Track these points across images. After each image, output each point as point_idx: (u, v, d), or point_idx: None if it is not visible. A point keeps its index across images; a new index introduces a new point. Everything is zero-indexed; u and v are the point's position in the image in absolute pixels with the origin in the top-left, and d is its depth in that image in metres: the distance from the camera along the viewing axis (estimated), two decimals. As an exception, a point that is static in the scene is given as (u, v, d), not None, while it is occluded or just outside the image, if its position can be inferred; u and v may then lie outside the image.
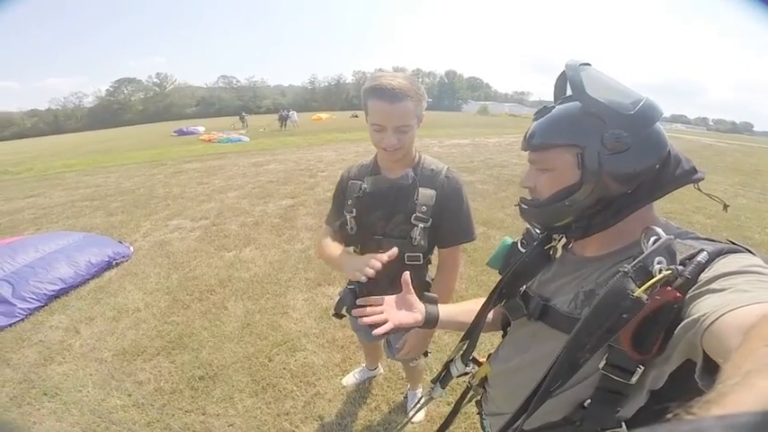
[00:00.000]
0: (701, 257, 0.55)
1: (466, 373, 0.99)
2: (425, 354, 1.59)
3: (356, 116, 30.40)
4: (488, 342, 2.12)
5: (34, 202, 6.80)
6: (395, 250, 1.08)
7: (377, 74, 1.16)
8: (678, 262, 0.56)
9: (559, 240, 0.82)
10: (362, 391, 2.22)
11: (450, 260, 1.42)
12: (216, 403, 2.14)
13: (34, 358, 2.53)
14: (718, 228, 5.03)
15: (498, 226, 4.83)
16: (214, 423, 2.01)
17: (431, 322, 0.92)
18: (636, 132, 0.62)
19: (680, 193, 0.69)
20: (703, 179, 0.67)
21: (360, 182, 1.35)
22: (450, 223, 1.33)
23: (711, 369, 0.44)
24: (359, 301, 0.94)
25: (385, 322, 0.86)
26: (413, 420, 1.92)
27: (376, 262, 1.05)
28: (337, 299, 1.46)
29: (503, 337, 0.95)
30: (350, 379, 2.27)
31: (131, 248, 4.24)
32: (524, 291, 0.81)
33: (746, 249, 0.57)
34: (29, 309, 3.00)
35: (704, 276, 0.53)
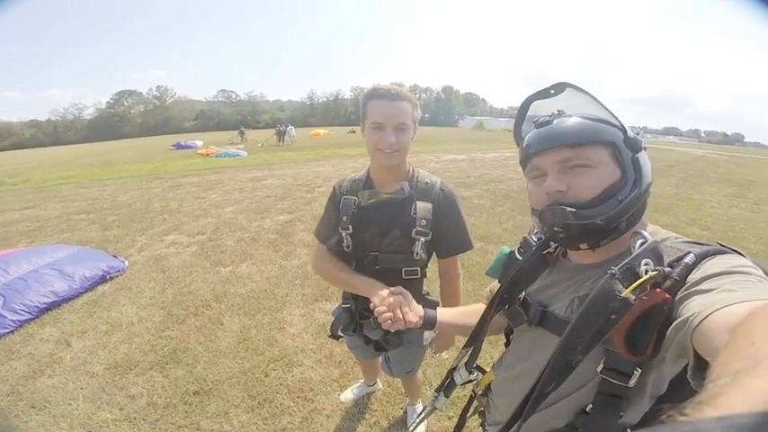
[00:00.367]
0: (689, 259, 0.56)
1: (470, 381, 0.99)
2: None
3: (354, 132, 30.59)
4: (489, 353, 2.10)
5: (29, 213, 6.75)
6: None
7: (374, 86, 1.22)
8: (666, 264, 0.57)
9: (557, 247, 0.82)
10: (361, 406, 2.18)
11: (452, 269, 1.45)
12: (210, 419, 2.09)
13: (23, 371, 2.47)
14: (714, 239, 4.99)
15: (495, 241, 4.82)
16: (208, 439, 1.96)
17: (429, 324, 0.98)
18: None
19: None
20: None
21: (354, 197, 1.34)
22: (450, 234, 1.35)
23: (703, 368, 0.45)
24: (376, 311, 0.99)
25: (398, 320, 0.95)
26: (412, 435, 1.88)
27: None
28: (332, 319, 1.45)
29: (505, 345, 0.95)
30: (348, 395, 2.23)
31: (126, 263, 4.20)
32: (524, 298, 0.82)
33: (734, 250, 0.58)
34: (19, 321, 2.95)
35: (692, 277, 0.54)
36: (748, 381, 0.25)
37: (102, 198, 7.97)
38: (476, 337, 0.90)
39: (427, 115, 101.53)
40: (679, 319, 0.51)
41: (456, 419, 1.06)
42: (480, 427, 1.01)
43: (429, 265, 1.43)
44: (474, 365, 0.96)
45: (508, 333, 0.94)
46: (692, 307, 0.49)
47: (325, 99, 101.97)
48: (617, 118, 0.68)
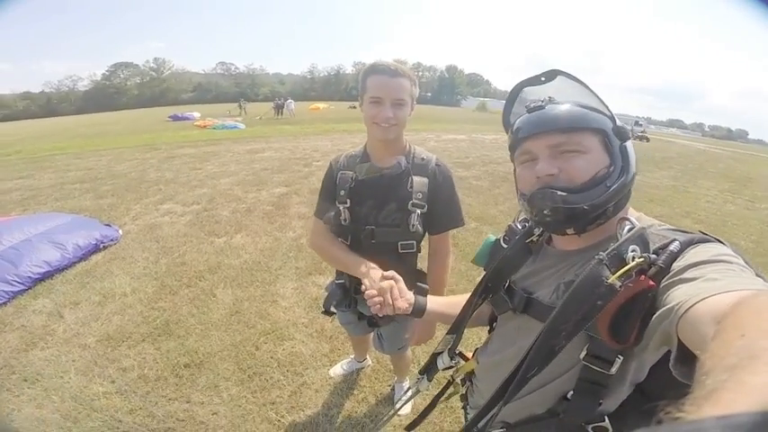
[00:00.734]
0: (674, 247, 0.57)
1: (451, 367, 1.00)
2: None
3: (354, 107, 30.14)
4: (477, 338, 2.11)
5: (23, 183, 6.68)
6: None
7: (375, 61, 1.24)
8: (651, 251, 0.58)
9: (540, 234, 0.82)
10: (350, 382, 2.20)
11: (441, 245, 1.45)
12: (201, 391, 2.11)
13: (15, 343, 2.47)
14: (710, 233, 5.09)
15: (491, 222, 4.81)
16: (198, 411, 1.98)
17: (418, 311, 0.96)
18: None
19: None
20: None
21: (351, 172, 1.35)
22: (443, 210, 1.37)
23: (686, 358, 0.45)
24: (366, 294, 0.98)
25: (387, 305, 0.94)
26: (399, 413, 1.91)
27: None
28: (326, 294, 1.45)
29: (489, 332, 0.95)
30: (337, 370, 2.25)
31: (120, 231, 4.18)
32: (508, 285, 0.82)
33: (716, 239, 0.59)
34: (12, 292, 2.93)
35: (676, 265, 0.55)
36: (747, 377, 0.25)
37: (96, 168, 7.88)
38: (459, 324, 0.90)
39: (429, 94, 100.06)
40: (664, 308, 0.51)
41: (440, 402, 1.07)
42: (462, 410, 1.02)
43: (423, 243, 1.44)
44: (456, 352, 0.97)
45: (492, 321, 0.94)
46: (677, 296, 0.49)
47: (326, 73, 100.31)
48: (607, 107, 0.69)
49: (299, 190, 6.02)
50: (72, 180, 6.78)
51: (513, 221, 0.89)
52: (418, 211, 1.29)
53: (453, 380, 1.01)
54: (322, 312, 1.49)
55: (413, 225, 1.29)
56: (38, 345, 2.47)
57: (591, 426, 0.66)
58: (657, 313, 0.52)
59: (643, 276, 0.55)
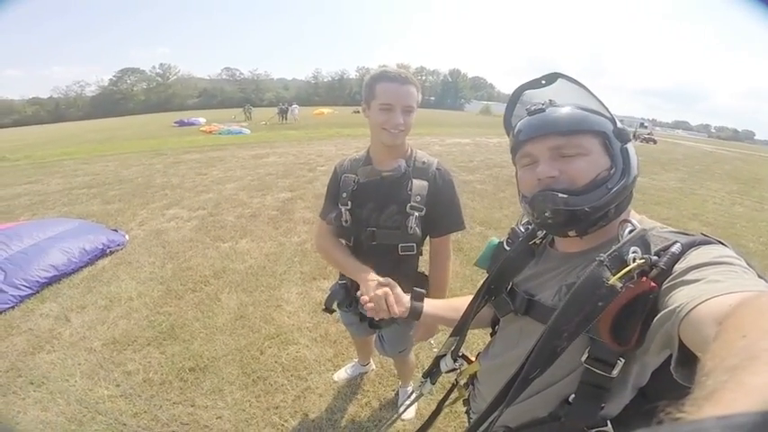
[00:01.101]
0: (675, 249, 0.57)
1: (454, 369, 1.00)
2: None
3: (358, 112, 30.31)
4: (482, 341, 2.10)
5: (31, 188, 6.76)
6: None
7: (381, 68, 1.27)
8: (653, 252, 0.58)
9: (543, 237, 0.83)
10: (354, 386, 2.20)
11: (442, 248, 1.47)
12: (205, 395, 2.11)
13: (22, 347, 2.50)
14: (713, 235, 5.02)
15: (496, 226, 4.80)
16: (202, 415, 1.99)
17: (414, 315, 0.98)
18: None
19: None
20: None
21: (353, 175, 1.39)
22: (444, 213, 1.38)
23: (687, 360, 0.45)
24: (361, 300, 1.01)
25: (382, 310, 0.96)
26: (403, 417, 1.90)
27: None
28: (328, 294, 1.47)
29: (491, 335, 0.95)
30: (341, 374, 2.25)
31: (126, 236, 4.22)
32: (511, 287, 0.82)
33: (718, 241, 0.59)
34: (20, 296, 2.97)
35: (678, 267, 0.55)
36: (747, 377, 0.25)
37: (103, 173, 7.96)
38: (462, 326, 0.90)
39: (433, 98, 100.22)
40: (665, 310, 0.50)
41: (445, 407, 1.06)
42: (465, 415, 1.01)
43: (425, 246, 1.46)
44: (460, 354, 0.97)
45: (494, 323, 0.94)
46: (679, 297, 0.49)
47: (330, 78, 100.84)
48: (607, 109, 0.69)
49: (303, 195, 6.04)
50: (79, 185, 6.86)
51: (516, 224, 0.89)
52: (416, 213, 1.31)
53: (457, 383, 1.01)
54: (322, 310, 1.50)
55: (411, 227, 1.31)
56: (44, 348, 2.49)
57: (593, 430, 0.66)
58: (659, 315, 0.51)
59: (644, 278, 0.55)
